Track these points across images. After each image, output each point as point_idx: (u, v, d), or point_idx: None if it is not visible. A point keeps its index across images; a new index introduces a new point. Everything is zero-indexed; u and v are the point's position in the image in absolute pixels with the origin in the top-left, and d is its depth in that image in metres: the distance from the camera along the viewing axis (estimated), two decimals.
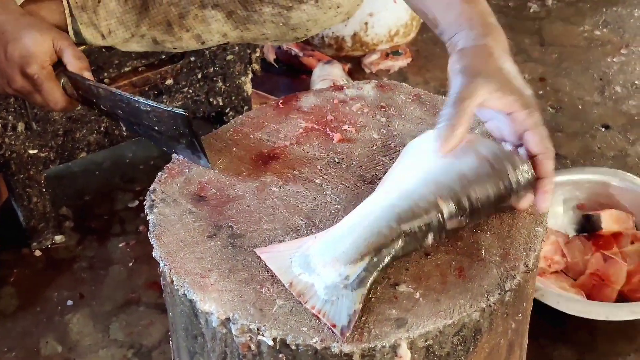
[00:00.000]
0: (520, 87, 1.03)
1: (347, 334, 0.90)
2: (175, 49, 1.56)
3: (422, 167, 1.01)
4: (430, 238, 0.97)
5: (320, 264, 0.95)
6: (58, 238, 1.83)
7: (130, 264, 1.79)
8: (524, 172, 1.00)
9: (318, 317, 0.92)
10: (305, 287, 0.94)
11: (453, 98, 0.99)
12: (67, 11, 1.41)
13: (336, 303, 0.92)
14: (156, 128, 1.14)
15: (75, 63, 1.23)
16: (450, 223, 0.98)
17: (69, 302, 1.71)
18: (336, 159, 1.16)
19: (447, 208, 0.97)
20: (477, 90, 0.99)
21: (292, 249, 0.99)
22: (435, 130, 1.01)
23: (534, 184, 1.01)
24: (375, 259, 0.94)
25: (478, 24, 1.08)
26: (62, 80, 1.25)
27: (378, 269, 0.94)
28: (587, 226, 1.75)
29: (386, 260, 0.94)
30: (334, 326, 0.91)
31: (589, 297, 1.61)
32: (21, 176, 1.70)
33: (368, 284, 0.93)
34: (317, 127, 1.22)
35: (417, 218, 0.96)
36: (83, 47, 1.50)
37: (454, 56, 1.06)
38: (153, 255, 1.02)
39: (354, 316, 0.91)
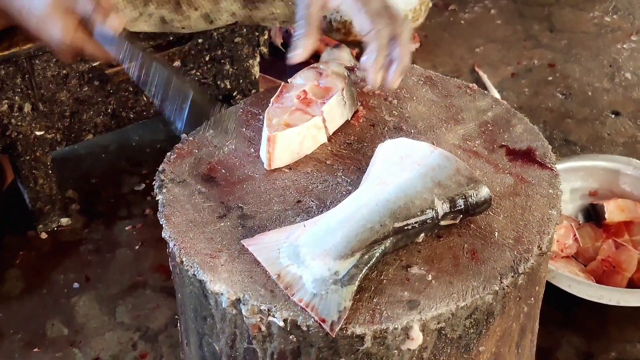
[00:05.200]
0: None
1: (337, 330, 0.89)
2: (183, 28, 1.54)
3: (417, 162, 0.99)
4: (422, 236, 0.98)
5: (310, 256, 0.93)
6: (64, 221, 1.82)
7: (137, 247, 1.78)
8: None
9: (305, 310, 0.90)
10: (294, 279, 0.93)
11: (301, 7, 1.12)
12: None
13: (325, 298, 0.90)
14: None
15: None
16: (444, 221, 0.98)
17: (75, 285, 1.70)
18: (347, 141, 1.15)
19: (442, 208, 0.96)
20: None
21: (280, 239, 0.97)
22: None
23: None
24: (365, 256, 0.93)
25: None
26: None
27: (368, 265, 0.93)
28: (593, 214, 1.74)
29: (376, 256, 0.93)
30: (323, 321, 0.89)
31: (599, 283, 1.59)
32: (27, 158, 1.68)
33: (357, 281, 0.92)
34: None
35: (411, 217, 0.95)
36: None
37: None
38: (162, 236, 1.01)
39: (344, 312, 0.89)
